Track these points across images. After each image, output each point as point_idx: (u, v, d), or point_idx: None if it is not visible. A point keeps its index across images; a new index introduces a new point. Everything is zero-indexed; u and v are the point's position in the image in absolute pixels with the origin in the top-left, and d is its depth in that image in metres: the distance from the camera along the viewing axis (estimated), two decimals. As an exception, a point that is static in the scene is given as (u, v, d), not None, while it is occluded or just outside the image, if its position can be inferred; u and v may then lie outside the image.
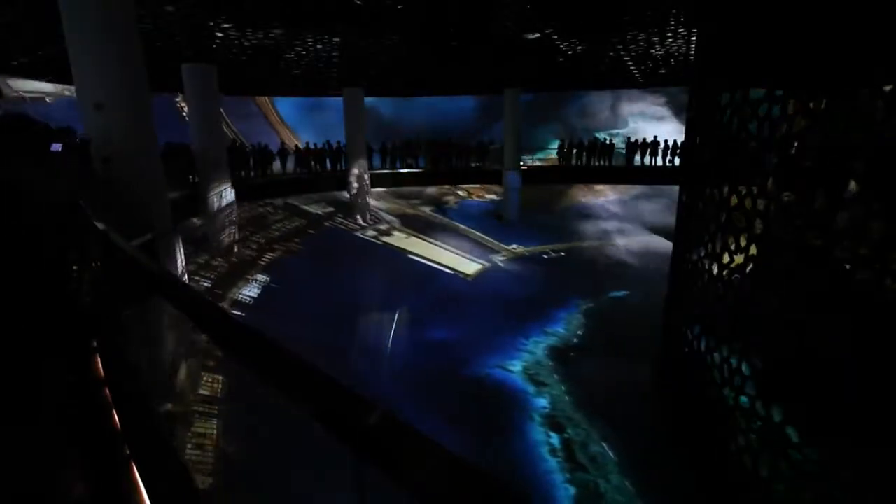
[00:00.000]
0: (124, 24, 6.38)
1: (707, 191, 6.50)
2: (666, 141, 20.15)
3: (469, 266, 20.16)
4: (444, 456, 0.58)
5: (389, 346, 13.01)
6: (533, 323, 15.20)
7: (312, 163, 19.39)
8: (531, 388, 11.89)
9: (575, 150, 21.26)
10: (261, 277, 14.88)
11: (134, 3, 6.53)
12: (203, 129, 12.89)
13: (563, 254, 22.28)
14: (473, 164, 21.91)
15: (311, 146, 19.84)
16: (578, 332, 15.05)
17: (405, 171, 20.95)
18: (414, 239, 21.13)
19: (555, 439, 9.87)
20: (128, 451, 1.89)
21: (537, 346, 13.97)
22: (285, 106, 29.79)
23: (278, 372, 0.92)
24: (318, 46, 16.73)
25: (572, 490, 8.57)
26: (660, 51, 17.98)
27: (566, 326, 15.37)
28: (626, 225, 25.01)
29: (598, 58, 19.09)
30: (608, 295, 17.88)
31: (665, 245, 22.33)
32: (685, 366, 6.85)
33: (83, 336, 3.04)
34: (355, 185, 19.11)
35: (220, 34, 14.21)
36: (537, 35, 15.63)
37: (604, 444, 9.48)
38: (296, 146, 20.40)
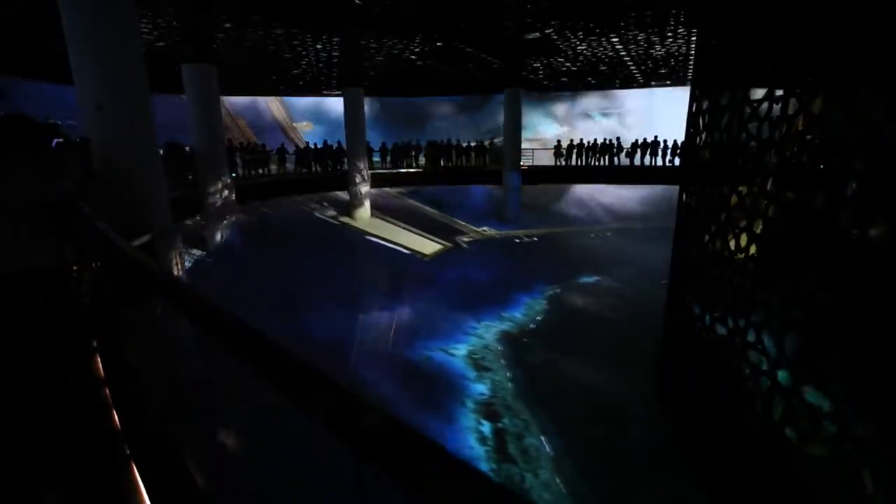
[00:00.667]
0: (124, 24, 6.38)
1: (707, 190, 6.50)
2: (665, 141, 20.15)
3: (428, 246, 19.42)
4: (444, 456, 0.58)
5: (324, 326, 12.00)
6: (489, 306, 14.52)
7: (313, 163, 19.39)
8: (472, 374, 11.24)
9: (575, 150, 21.25)
10: (195, 251, 13.55)
11: (134, 3, 6.53)
12: (203, 130, 12.88)
13: (535, 238, 21.71)
14: (473, 164, 21.91)
15: (312, 146, 19.86)
16: (538, 318, 14.34)
17: (405, 170, 20.96)
18: (375, 220, 20.28)
19: (486, 427, 9.26)
20: (128, 451, 1.89)
21: (488, 331, 13.34)
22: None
23: (278, 372, 0.92)
24: (318, 46, 16.75)
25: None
26: (660, 51, 18.00)
27: (525, 311, 14.70)
28: (606, 212, 24.69)
29: (597, 58, 19.11)
30: (578, 280, 17.30)
31: (641, 232, 22.05)
32: (696, 359, 6.74)
33: (83, 336, 3.04)
34: (355, 185, 19.08)
35: (220, 34, 14.22)
36: (537, 35, 15.64)
37: (542, 437, 8.80)
38: (296, 146, 20.40)
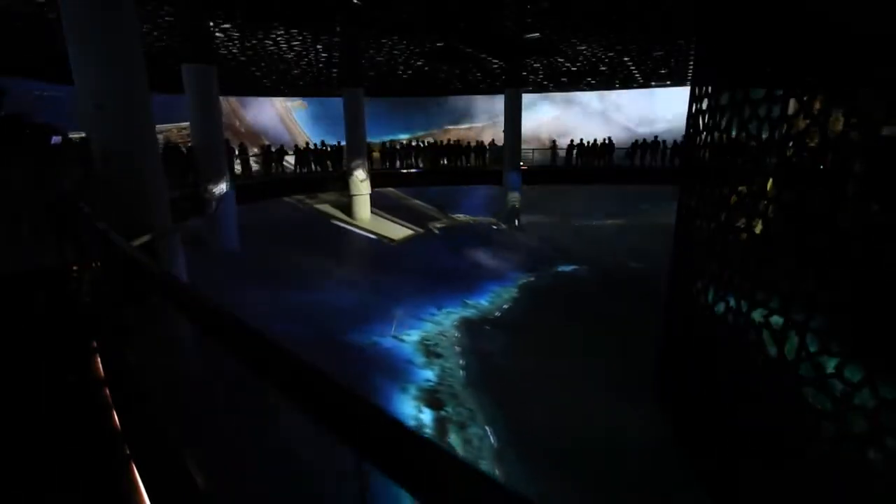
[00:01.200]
0: (124, 24, 6.37)
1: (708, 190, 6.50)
2: (664, 142, 20.17)
3: (398, 231, 18.91)
4: (444, 458, 0.58)
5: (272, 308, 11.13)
6: (453, 293, 13.92)
7: (313, 163, 19.38)
8: (420, 360, 10.60)
9: (575, 150, 21.26)
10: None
11: (134, 3, 6.52)
12: (203, 129, 12.88)
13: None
14: (473, 164, 21.88)
15: (312, 146, 19.86)
16: (504, 306, 13.73)
17: (405, 170, 20.95)
18: (361, 211, 19.16)
19: (427, 415, 8.66)
20: (128, 451, 1.89)
21: (448, 317, 12.73)
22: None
23: (279, 372, 0.92)
24: (318, 46, 16.75)
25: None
26: (660, 51, 18.00)
27: (492, 299, 14.12)
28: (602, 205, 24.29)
29: (597, 58, 19.10)
30: (555, 269, 16.74)
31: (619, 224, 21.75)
32: (701, 359, 6.57)
33: (83, 336, 3.04)
34: (355, 184, 19.09)
35: (219, 34, 14.22)
36: (536, 35, 15.63)
37: (487, 428, 8.27)
38: (296, 146, 20.38)
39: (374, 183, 19.71)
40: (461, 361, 10.74)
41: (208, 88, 12.80)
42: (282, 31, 14.94)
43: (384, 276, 14.67)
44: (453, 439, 8.18)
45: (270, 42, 16.10)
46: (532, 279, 15.83)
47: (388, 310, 12.68)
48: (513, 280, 15.66)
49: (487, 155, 22.04)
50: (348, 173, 18.40)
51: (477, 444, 8.07)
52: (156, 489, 1.64)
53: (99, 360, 2.74)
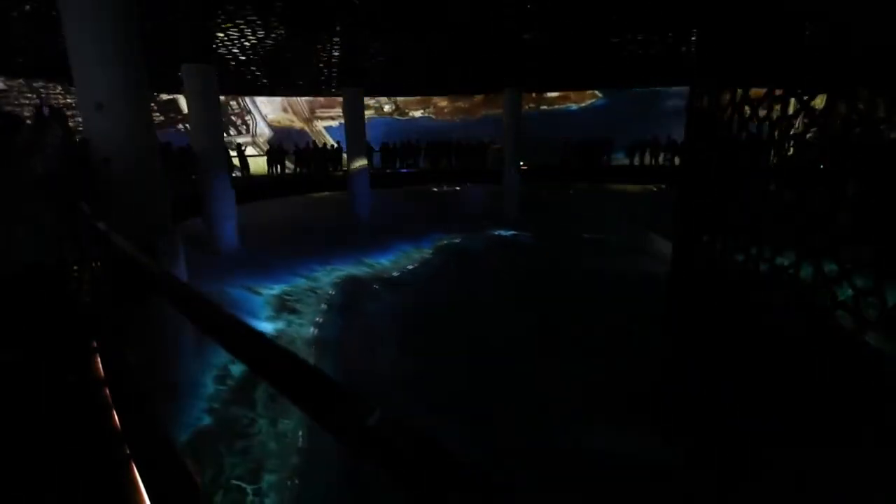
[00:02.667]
0: (124, 24, 6.37)
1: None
2: (661, 141, 20.23)
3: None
4: (445, 457, 0.58)
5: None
6: (351, 251, 12.70)
7: (313, 163, 19.41)
8: (267, 314, 9.49)
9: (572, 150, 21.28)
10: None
11: (134, 3, 6.52)
12: (203, 130, 12.88)
13: (457, 188, 19.77)
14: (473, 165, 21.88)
15: (311, 146, 19.89)
16: (408, 267, 12.55)
17: (405, 171, 20.96)
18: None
19: (239, 368, 7.32)
20: (128, 451, 1.89)
21: (329, 275, 11.61)
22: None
23: (278, 372, 0.92)
24: (318, 46, 16.74)
25: (205, 421, 6.30)
26: (659, 51, 17.98)
27: (397, 259, 12.92)
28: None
29: (596, 57, 19.08)
30: (487, 232, 15.36)
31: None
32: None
33: (83, 336, 3.04)
34: (356, 185, 19.10)
35: (220, 34, 14.22)
36: (535, 35, 15.63)
37: None
38: (295, 146, 20.39)
39: (374, 183, 19.70)
40: (318, 319, 9.60)
41: (208, 88, 12.80)
42: (281, 32, 14.93)
43: (276, 231, 13.46)
44: (258, 395, 6.89)
45: (271, 42, 16.09)
46: (456, 241, 14.52)
47: (261, 262, 11.47)
48: (432, 241, 14.31)
49: (488, 155, 22.03)
50: (349, 173, 18.40)
51: (286, 402, 7.34)
52: (156, 489, 1.64)
53: (99, 360, 2.74)
